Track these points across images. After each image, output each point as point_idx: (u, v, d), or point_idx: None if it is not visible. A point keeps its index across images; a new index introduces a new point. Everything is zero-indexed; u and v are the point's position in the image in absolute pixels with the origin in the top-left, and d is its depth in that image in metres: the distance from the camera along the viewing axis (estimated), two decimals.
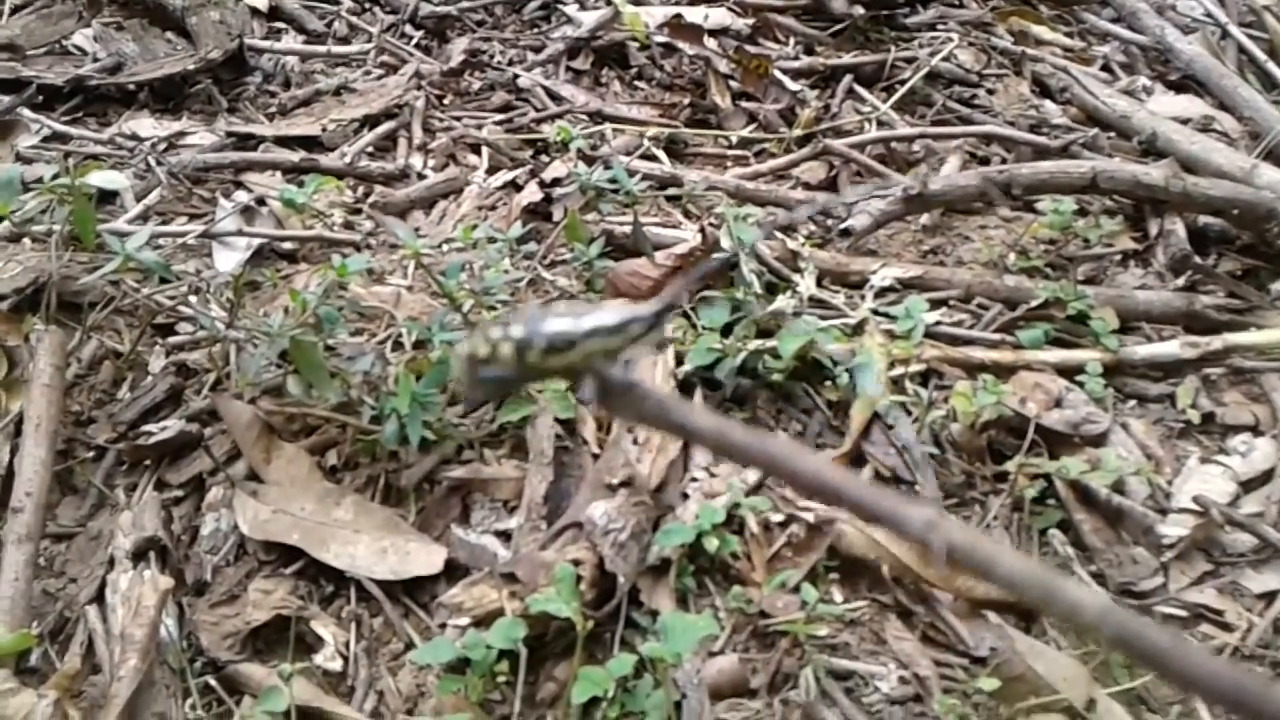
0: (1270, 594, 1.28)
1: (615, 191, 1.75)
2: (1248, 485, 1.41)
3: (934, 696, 1.14)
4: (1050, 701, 1.13)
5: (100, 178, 1.46)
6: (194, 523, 1.31)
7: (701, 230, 1.63)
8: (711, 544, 1.23)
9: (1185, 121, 2.13)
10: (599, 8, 2.43)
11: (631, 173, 1.83)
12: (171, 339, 1.50)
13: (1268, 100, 2.19)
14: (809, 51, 2.39)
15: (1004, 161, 2.03)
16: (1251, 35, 2.48)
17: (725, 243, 1.56)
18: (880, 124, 2.11)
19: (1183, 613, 1.28)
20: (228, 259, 1.61)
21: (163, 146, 1.87)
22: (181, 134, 1.92)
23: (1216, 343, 1.59)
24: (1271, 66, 2.35)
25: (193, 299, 1.45)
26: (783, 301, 1.54)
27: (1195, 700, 1.13)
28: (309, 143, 1.96)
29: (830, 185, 1.97)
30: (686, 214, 1.81)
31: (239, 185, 1.82)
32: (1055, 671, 1.14)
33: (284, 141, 1.94)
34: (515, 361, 0.57)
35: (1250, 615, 1.28)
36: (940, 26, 2.46)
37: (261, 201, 1.75)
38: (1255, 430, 1.49)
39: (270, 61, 2.21)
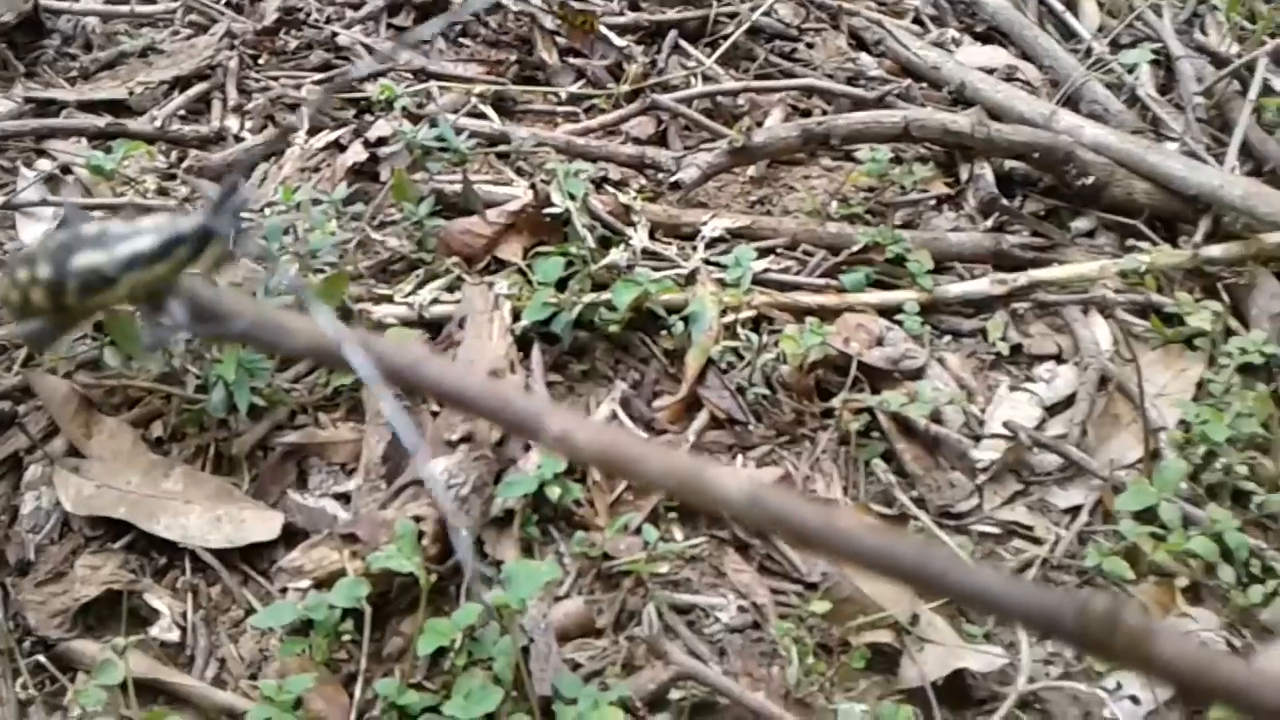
0: (1075, 509, 1.39)
1: (444, 150, 1.72)
2: (1053, 410, 1.51)
3: (770, 622, 1.19)
4: (878, 619, 1.20)
5: None
6: (13, 502, 1.25)
7: (533, 187, 1.63)
8: (554, 493, 1.25)
9: (991, 71, 2.24)
10: None
11: (459, 130, 1.80)
12: None
13: (1065, 50, 2.33)
14: (634, 8, 2.40)
15: (824, 113, 2.10)
16: None
17: (557, 198, 1.57)
18: (706, 79, 2.14)
19: (996, 530, 1.37)
20: (33, 230, 1.52)
21: None
22: None
23: (1022, 279, 1.69)
24: (1069, 18, 2.48)
25: None
26: (616, 254, 1.56)
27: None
28: (115, 107, 1.86)
29: (660, 140, 1.99)
30: (518, 171, 1.81)
31: (41, 154, 1.72)
32: (881, 591, 1.21)
33: (88, 106, 1.83)
34: (51, 308, 0.49)
35: (1058, 530, 1.38)
36: None
37: (67, 170, 1.66)
38: (1058, 359, 1.60)
39: (69, 23, 2.08)
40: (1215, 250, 1.71)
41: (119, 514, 1.21)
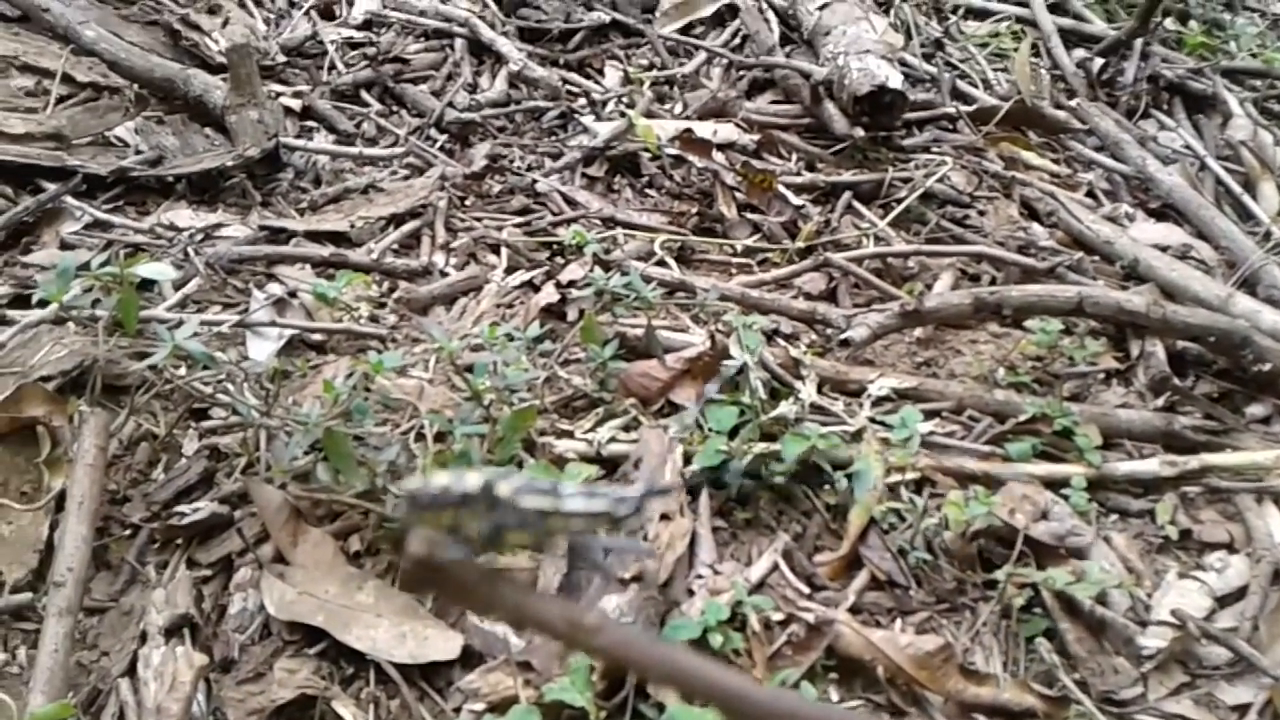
0: (1243, 706, 1.35)
1: (630, 296, 1.84)
2: (1223, 601, 1.48)
3: None
4: None
5: (148, 269, 1.55)
6: (222, 601, 1.37)
7: (711, 336, 1.72)
8: (716, 640, 1.29)
9: (1165, 249, 2.25)
10: (614, 119, 2.57)
11: (645, 279, 1.93)
12: (205, 423, 1.58)
13: (1243, 231, 2.32)
14: (810, 168, 2.52)
15: (994, 280, 2.15)
16: (1229, 169, 2.63)
17: (735, 350, 1.66)
18: (877, 239, 2.23)
19: None
20: (261, 348, 1.69)
21: (199, 237, 1.97)
22: (217, 226, 2.02)
23: (1194, 462, 1.68)
24: (1247, 199, 2.49)
25: (229, 386, 1.53)
26: (786, 407, 1.62)
27: None
28: (337, 238, 2.06)
29: (830, 296, 2.07)
30: (695, 319, 1.91)
31: (271, 277, 1.91)
32: None
33: (314, 236, 2.04)
34: (488, 537, 0.56)
35: None
36: (935, 149, 2.60)
37: (293, 294, 1.85)
38: (1230, 548, 1.57)
39: (302, 159, 2.33)
40: None
41: (317, 621, 1.32)
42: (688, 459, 1.55)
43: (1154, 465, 1.67)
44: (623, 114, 2.58)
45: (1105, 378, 1.92)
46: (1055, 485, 1.62)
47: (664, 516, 1.44)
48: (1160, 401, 1.83)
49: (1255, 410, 1.84)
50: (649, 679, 1.14)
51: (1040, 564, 1.48)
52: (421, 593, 1.34)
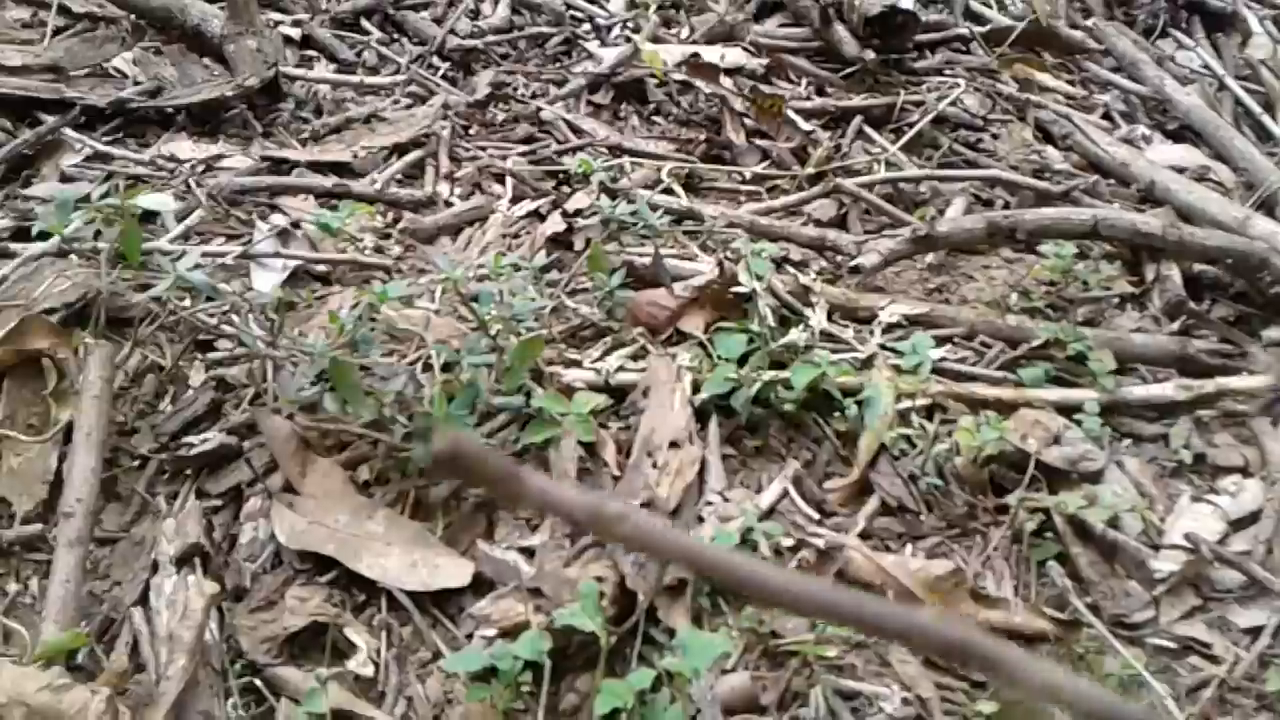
0: (1256, 629, 1.35)
1: (637, 224, 1.82)
2: (1237, 524, 1.47)
3: (935, 718, 1.20)
4: None
5: (149, 200, 1.53)
6: (232, 531, 1.38)
7: (719, 264, 1.70)
8: None
9: (1182, 171, 2.21)
10: (619, 44, 2.52)
11: (652, 207, 1.90)
12: (211, 354, 1.57)
13: (1262, 152, 2.27)
14: (820, 93, 2.47)
15: (1007, 205, 2.11)
16: (1248, 89, 2.57)
17: (743, 277, 1.63)
18: (889, 165, 2.18)
19: (1173, 645, 1.34)
20: (265, 279, 1.68)
21: (201, 169, 1.94)
22: (219, 157, 1.99)
23: (1209, 386, 1.66)
24: (1267, 120, 2.43)
25: (235, 318, 1.52)
26: (795, 335, 1.61)
27: None
28: (341, 169, 2.03)
29: (840, 223, 2.04)
30: (703, 247, 1.88)
31: (274, 208, 1.89)
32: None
33: (316, 167, 2.01)
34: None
35: (1237, 649, 1.34)
36: (947, 72, 2.55)
37: (296, 224, 1.82)
38: (1244, 472, 1.56)
39: (303, 89, 2.29)
40: None
41: (327, 550, 1.32)
42: (696, 388, 1.54)
43: (1169, 389, 1.66)
44: (628, 39, 2.52)
45: (1120, 302, 1.90)
46: (1069, 410, 1.60)
47: (673, 444, 1.43)
48: (1175, 326, 1.81)
49: (1272, 333, 1.82)
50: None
51: (1052, 489, 1.47)
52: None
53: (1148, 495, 1.51)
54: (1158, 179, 2.13)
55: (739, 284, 1.63)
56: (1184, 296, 1.84)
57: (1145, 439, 1.61)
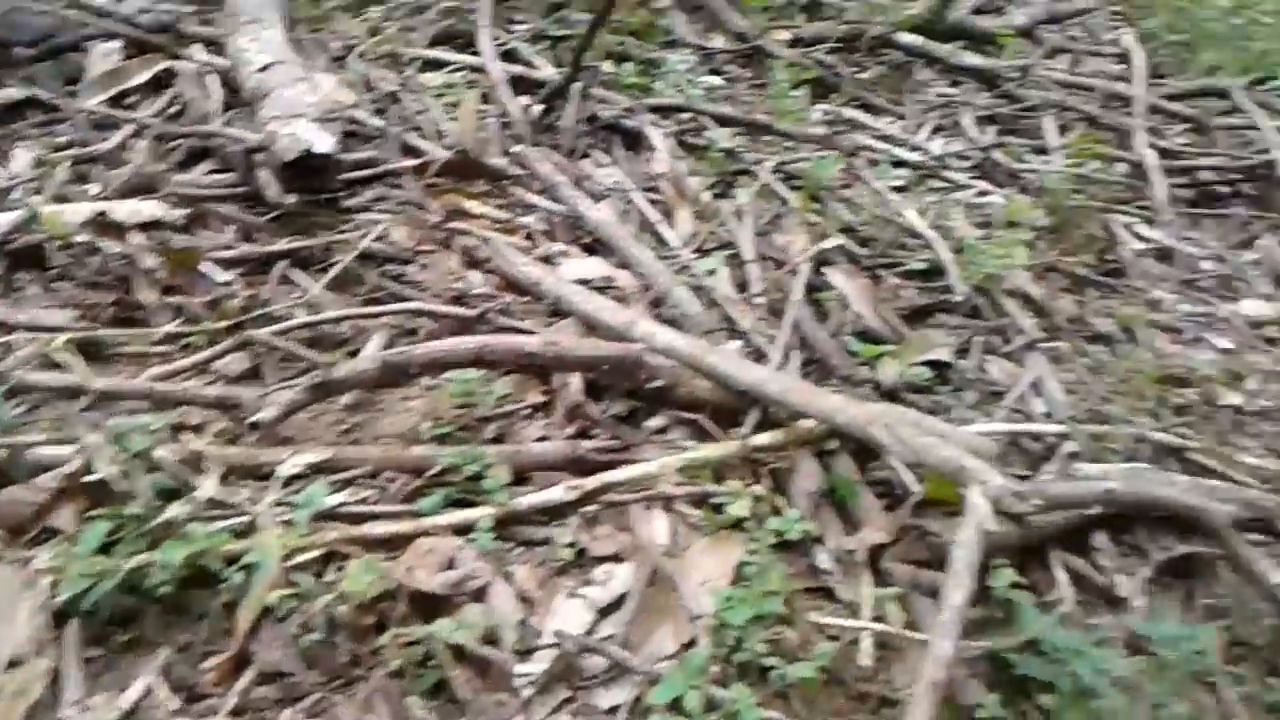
0: (614, 708, 1.47)
1: None
2: (606, 611, 1.61)
3: None
4: None
5: None
6: None
7: (79, 451, 1.61)
8: None
9: (588, 282, 2.43)
10: (16, 209, 2.35)
11: (30, 389, 1.77)
12: None
13: (658, 257, 2.56)
14: (248, 239, 2.46)
15: (431, 334, 2.20)
16: (653, 199, 2.89)
17: (98, 464, 1.56)
18: (310, 307, 2.21)
19: None
20: None
21: None
22: None
23: (593, 483, 1.81)
24: (663, 227, 2.74)
25: None
26: (175, 509, 1.56)
27: None
28: None
29: (255, 374, 2.03)
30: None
31: None
32: None
33: None
34: None
35: None
36: (378, 207, 2.63)
37: None
38: (618, 558, 1.71)
39: None
40: (763, 438, 1.91)
41: None
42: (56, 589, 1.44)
43: (558, 492, 1.79)
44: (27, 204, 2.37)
45: (531, 413, 2.03)
46: (466, 530, 1.68)
47: (13, 664, 1.32)
48: (573, 429, 1.97)
49: (654, 423, 2.03)
50: None
51: (434, 616, 1.52)
52: None
53: (530, 600, 1.61)
54: (563, 293, 2.32)
55: (94, 471, 1.55)
56: (581, 400, 2.01)
57: (535, 543, 1.73)
